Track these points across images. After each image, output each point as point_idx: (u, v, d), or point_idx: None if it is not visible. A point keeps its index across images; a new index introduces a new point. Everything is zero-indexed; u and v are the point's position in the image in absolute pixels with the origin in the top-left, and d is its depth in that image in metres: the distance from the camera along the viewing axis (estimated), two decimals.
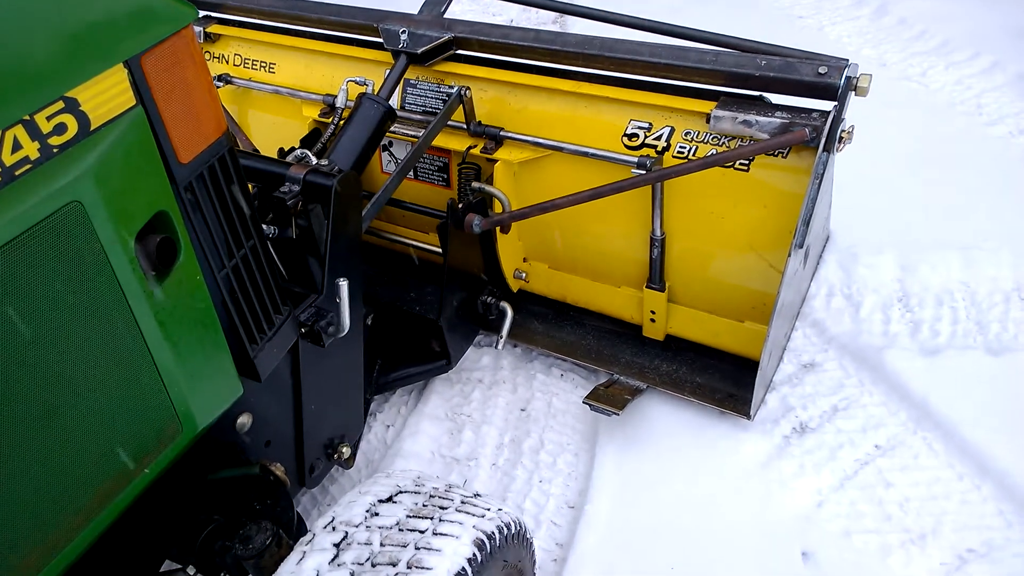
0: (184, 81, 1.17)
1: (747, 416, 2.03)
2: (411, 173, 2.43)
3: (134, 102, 1.08)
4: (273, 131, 2.63)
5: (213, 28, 2.49)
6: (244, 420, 1.59)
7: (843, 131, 1.76)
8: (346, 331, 1.66)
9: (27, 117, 0.94)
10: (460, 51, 2.18)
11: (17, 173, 0.93)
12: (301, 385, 1.72)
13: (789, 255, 1.92)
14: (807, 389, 2.15)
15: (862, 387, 2.13)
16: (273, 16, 2.38)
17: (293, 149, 2.22)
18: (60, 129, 0.99)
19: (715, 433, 2.06)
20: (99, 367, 1.12)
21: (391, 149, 2.44)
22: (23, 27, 0.94)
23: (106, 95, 1.04)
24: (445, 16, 2.18)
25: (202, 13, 2.52)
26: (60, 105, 0.98)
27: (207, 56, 2.57)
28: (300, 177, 1.71)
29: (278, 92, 2.45)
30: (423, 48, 2.10)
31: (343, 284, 1.61)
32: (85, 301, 1.06)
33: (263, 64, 2.50)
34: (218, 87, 2.50)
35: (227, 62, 2.55)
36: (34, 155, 0.96)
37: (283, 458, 1.75)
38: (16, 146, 0.93)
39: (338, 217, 1.69)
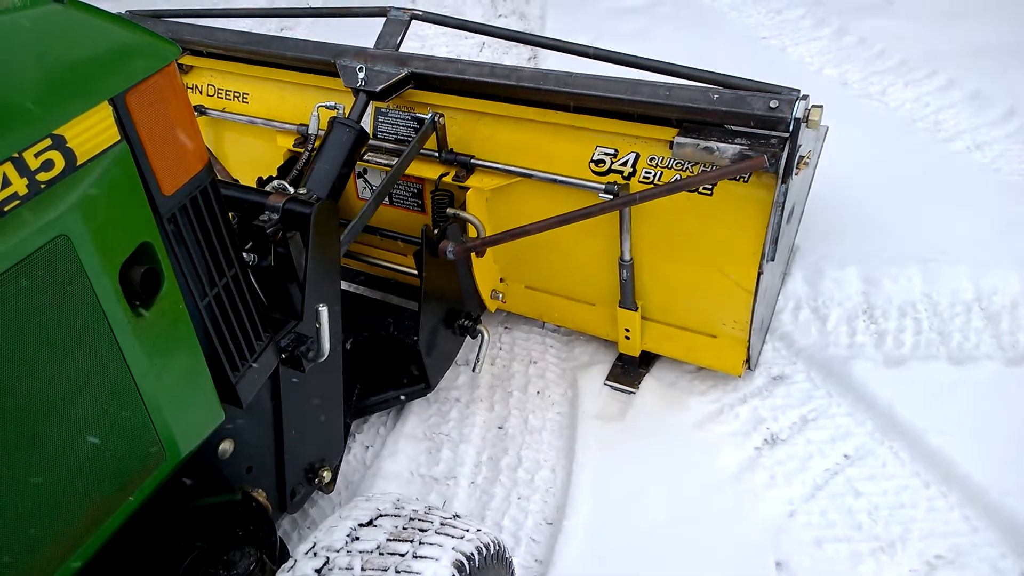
0: (167, 116, 1.21)
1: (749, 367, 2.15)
2: (387, 199, 2.47)
3: (119, 138, 1.12)
4: (250, 160, 2.66)
5: (185, 59, 2.53)
6: (226, 446, 1.61)
7: (800, 157, 1.84)
8: (326, 356, 1.69)
9: (16, 155, 0.97)
10: (418, 87, 2.23)
11: (6, 209, 0.96)
12: (282, 410, 1.75)
13: (760, 272, 1.99)
14: (777, 401, 2.21)
15: (830, 398, 2.20)
16: (232, 51, 2.42)
17: (272, 178, 2.26)
18: (47, 165, 1.02)
19: (690, 447, 2.12)
20: (84, 395, 1.14)
21: (366, 176, 2.48)
22: (11, 68, 0.97)
23: (92, 131, 1.08)
24: (401, 50, 2.23)
25: None
26: (48, 142, 1.01)
27: None
28: (279, 206, 1.74)
29: (253, 123, 2.49)
30: (381, 86, 2.15)
31: (322, 310, 1.64)
32: (70, 331, 1.09)
33: (236, 94, 2.54)
34: None
35: (201, 92, 2.58)
36: (22, 191, 0.99)
37: (264, 483, 1.77)
38: (5, 182, 0.96)
39: (316, 244, 1.73)
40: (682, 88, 1.91)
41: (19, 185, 0.99)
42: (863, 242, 2.63)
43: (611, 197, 2.01)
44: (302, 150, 2.30)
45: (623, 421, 2.25)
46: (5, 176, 0.96)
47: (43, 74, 1.01)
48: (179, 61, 2.53)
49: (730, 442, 2.11)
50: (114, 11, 2.48)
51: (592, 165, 2.10)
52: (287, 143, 2.45)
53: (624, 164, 2.07)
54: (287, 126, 2.43)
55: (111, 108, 1.10)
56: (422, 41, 4.44)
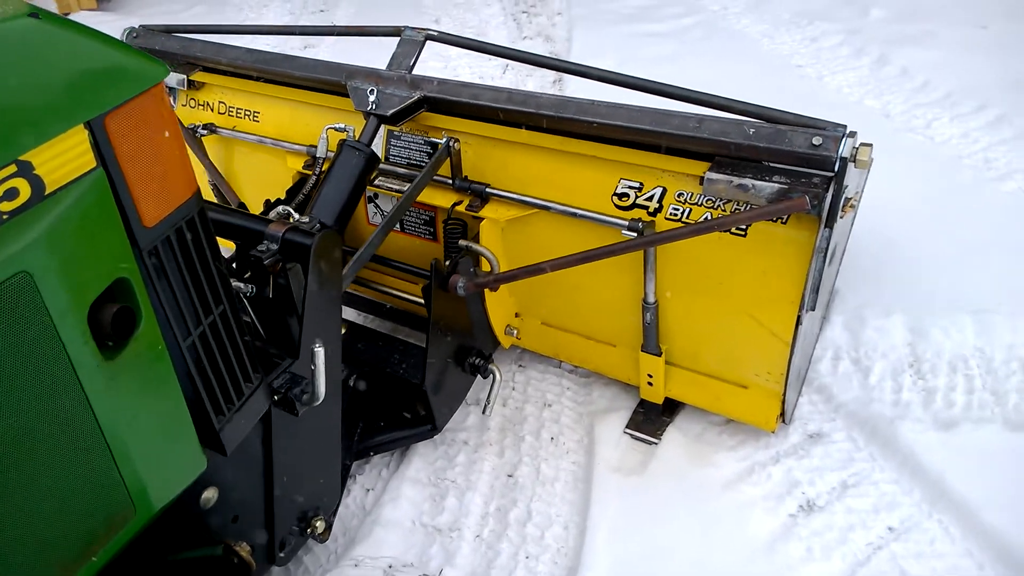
0: (151, 141, 1.09)
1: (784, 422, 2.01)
2: (398, 226, 2.35)
3: (94, 164, 1.00)
4: (260, 181, 2.57)
5: (196, 76, 2.44)
6: (209, 495, 1.48)
7: (846, 199, 1.68)
8: (321, 400, 1.55)
9: None
10: (431, 111, 2.11)
11: None
12: (273, 456, 1.61)
13: (798, 322, 1.83)
14: (814, 462, 2.03)
15: (873, 461, 2.01)
16: (243, 69, 2.33)
17: (280, 201, 2.15)
18: (11, 194, 0.91)
19: (718, 509, 1.94)
20: (41, 447, 1.02)
21: (377, 201, 2.36)
22: None
23: (63, 157, 0.96)
24: (413, 72, 2.11)
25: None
26: (12, 169, 0.90)
27: (192, 103, 2.52)
28: (279, 235, 1.63)
29: (262, 142, 2.39)
30: (392, 110, 2.03)
31: (319, 350, 1.51)
32: (26, 376, 0.97)
33: (247, 112, 2.44)
34: (203, 135, 2.44)
35: (212, 110, 2.49)
36: None
37: (252, 534, 1.63)
38: None
39: (316, 278, 1.61)
40: (714, 120, 1.76)
41: None
42: (909, 288, 2.44)
43: (635, 235, 1.86)
44: (311, 172, 2.19)
45: (643, 475, 2.08)
46: None
47: (10, 93, 0.90)
48: (189, 77, 2.45)
49: (762, 506, 1.93)
50: (132, 25, 2.41)
51: (615, 198, 1.96)
52: (297, 164, 2.34)
53: (650, 199, 1.92)
54: (297, 147, 2.33)
55: (87, 132, 0.99)
56: (445, 61, 4.35)
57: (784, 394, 1.98)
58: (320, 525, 1.79)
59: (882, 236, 2.69)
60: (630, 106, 1.86)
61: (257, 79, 2.38)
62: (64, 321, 0.99)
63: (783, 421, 2.08)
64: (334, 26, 2.58)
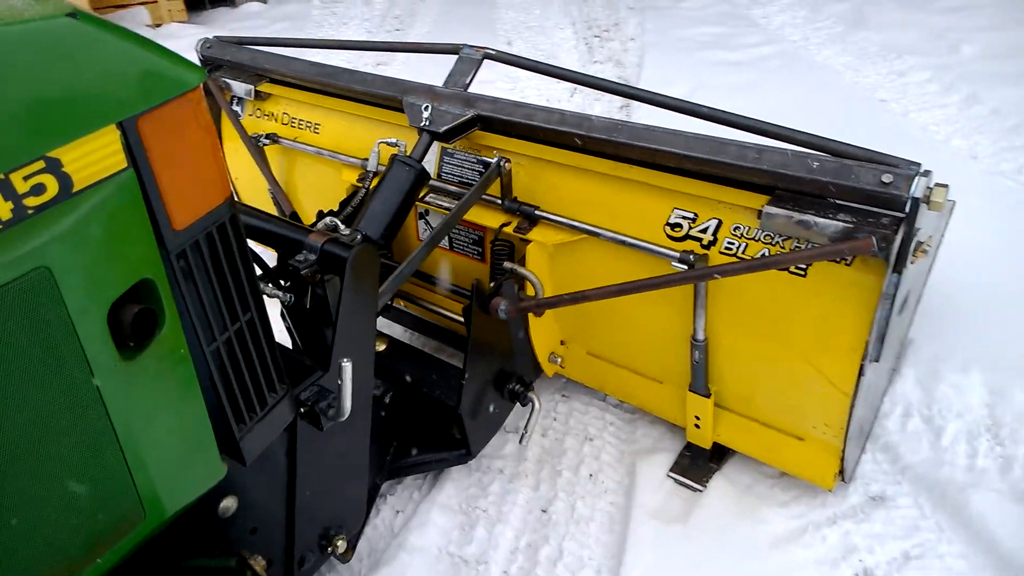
0: (186, 144, 1.09)
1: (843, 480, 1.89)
2: (447, 244, 2.32)
3: (125, 164, 1.00)
4: (316, 192, 2.59)
5: (263, 87, 2.49)
6: (228, 504, 1.46)
7: (918, 243, 1.55)
8: (346, 416, 1.52)
9: (1, 176, 0.87)
10: (484, 130, 2.09)
11: None
12: (296, 469, 1.59)
13: (861, 373, 1.70)
14: (875, 527, 1.86)
15: (940, 532, 1.83)
16: (306, 81, 2.36)
17: (332, 212, 2.16)
18: (38, 190, 0.91)
19: (764, 568, 1.80)
20: (51, 444, 1.01)
21: (427, 218, 2.35)
22: (8, 81, 0.87)
23: (94, 156, 0.97)
24: (469, 90, 2.09)
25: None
26: (40, 165, 0.90)
27: (258, 113, 2.57)
28: (318, 246, 1.61)
29: (320, 154, 2.41)
30: (445, 127, 2.01)
31: (346, 365, 1.48)
32: (41, 372, 0.96)
33: (308, 124, 2.47)
34: (264, 144, 2.48)
35: (276, 120, 2.54)
36: (6, 215, 0.88)
37: (270, 547, 1.60)
38: None
39: (351, 291, 1.58)
40: (776, 151, 1.66)
41: (2, 210, 0.88)
42: (991, 343, 2.24)
43: (686, 268, 1.77)
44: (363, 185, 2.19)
45: (685, 524, 1.96)
46: None
47: (43, 90, 0.91)
48: (257, 88, 2.50)
49: (813, 571, 1.77)
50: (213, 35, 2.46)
51: (667, 228, 1.88)
52: (351, 177, 2.35)
53: (704, 231, 1.83)
54: (353, 160, 2.34)
55: (119, 132, 0.99)
56: (513, 83, 4.35)
57: (844, 450, 1.83)
58: (341, 544, 1.75)
59: (964, 285, 2.49)
60: (687, 133, 1.78)
61: (319, 92, 2.41)
62: (83, 319, 0.99)
63: (842, 479, 1.93)
64: (394, 43, 2.60)
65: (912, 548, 1.81)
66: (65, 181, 0.93)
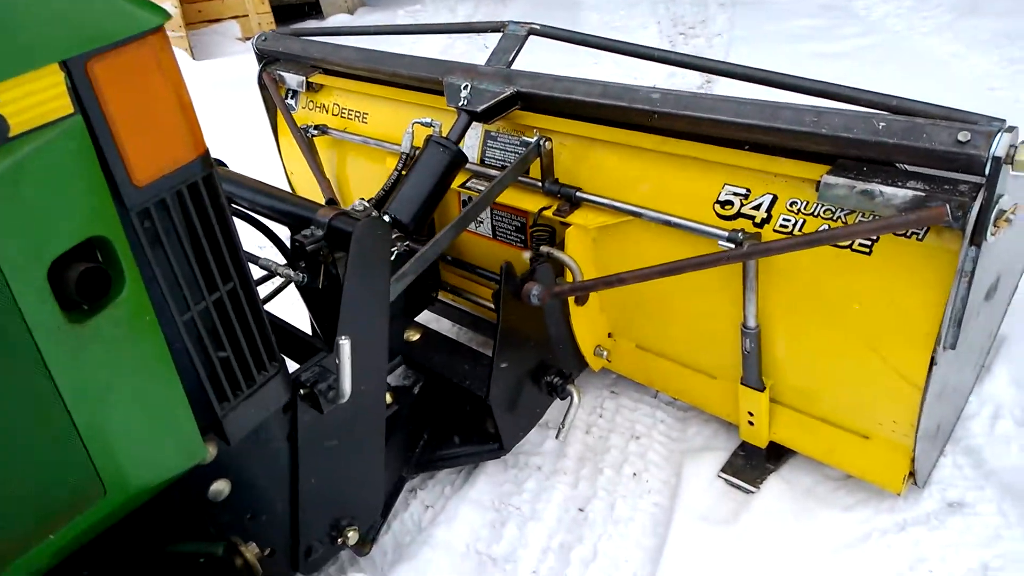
0: (147, 93, 1.03)
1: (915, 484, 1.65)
2: (490, 232, 2.21)
3: (71, 110, 0.95)
4: (367, 181, 2.55)
5: (315, 78, 2.48)
6: (220, 487, 1.40)
7: (1001, 211, 1.29)
8: (345, 398, 1.44)
9: None
10: (524, 108, 1.96)
11: None
12: (299, 454, 1.51)
13: (933, 362, 1.45)
14: (950, 535, 1.62)
15: None
16: (353, 69, 2.33)
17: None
18: None
19: None
20: None
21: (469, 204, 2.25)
22: None
23: (33, 99, 0.92)
24: (512, 67, 1.97)
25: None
26: None
27: (310, 105, 2.57)
28: (326, 221, 1.55)
29: (367, 143, 2.37)
30: (483, 106, 1.90)
31: (344, 343, 1.39)
32: None
33: (357, 114, 2.45)
34: (313, 135, 2.47)
35: (327, 111, 2.53)
36: None
37: (271, 536, 1.53)
38: None
39: (356, 267, 1.50)
40: (836, 113, 1.45)
41: None
42: None
43: (732, 246, 1.58)
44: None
45: (734, 526, 1.76)
46: None
47: None
48: (308, 79, 2.49)
49: None
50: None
51: (717, 207, 1.69)
52: (395, 163, 2.29)
53: (757, 208, 1.63)
54: (396, 147, 2.28)
55: (63, 74, 0.94)
56: (600, 67, 4.22)
57: (915, 449, 1.57)
58: (353, 536, 1.67)
59: None
60: (737, 98, 1.60)
61: (368, 79, 2.38)
62: (17, 275, 0.93)
63: (914, 482, 1.67)
64: (439, 24, 2.53)
65: (993, 559, 1.56)
66: (1, 124, 0.89)
